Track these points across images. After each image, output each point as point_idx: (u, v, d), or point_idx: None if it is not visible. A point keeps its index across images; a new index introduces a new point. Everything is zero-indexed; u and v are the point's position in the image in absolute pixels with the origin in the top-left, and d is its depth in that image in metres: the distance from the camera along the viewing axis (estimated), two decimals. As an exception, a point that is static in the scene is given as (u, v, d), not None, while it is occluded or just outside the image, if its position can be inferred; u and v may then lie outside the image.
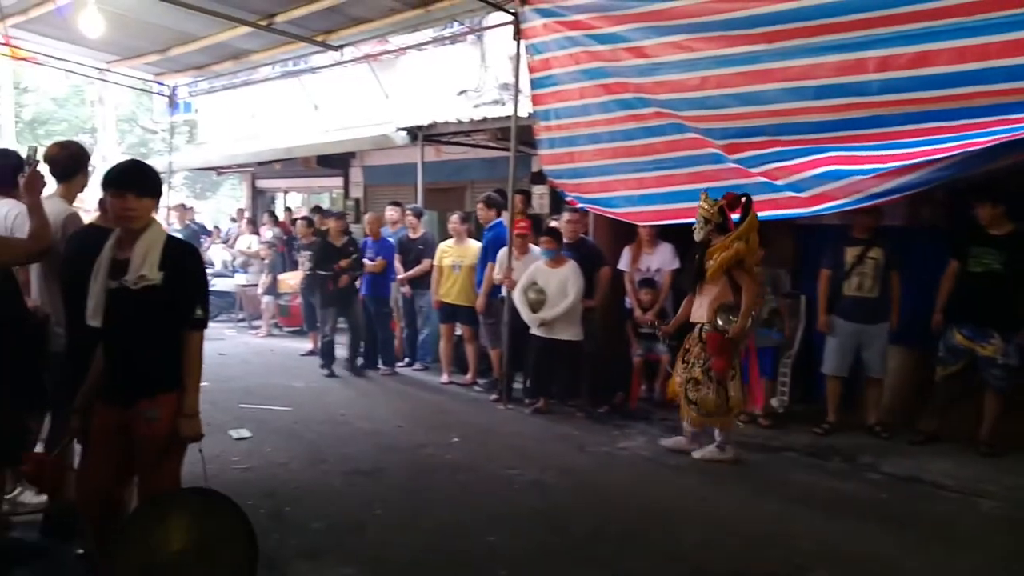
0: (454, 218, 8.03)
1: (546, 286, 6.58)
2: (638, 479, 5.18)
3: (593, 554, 3.93)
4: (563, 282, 6.52)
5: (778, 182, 5.28)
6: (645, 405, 6.99)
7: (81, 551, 3.60)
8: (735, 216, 5.28)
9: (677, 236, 7.00)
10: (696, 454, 5.57)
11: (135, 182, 2.99)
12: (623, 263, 7.10)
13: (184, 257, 3.06)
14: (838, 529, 4.31)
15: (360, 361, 8.53)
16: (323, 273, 8.27)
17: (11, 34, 8.60)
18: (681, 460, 5.57)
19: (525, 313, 6.67)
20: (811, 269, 6.41)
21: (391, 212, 9.19)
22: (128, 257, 2.94)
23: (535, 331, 6.66)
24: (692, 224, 5.68)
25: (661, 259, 7.01)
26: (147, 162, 3.29)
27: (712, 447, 5.54)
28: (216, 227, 15.31)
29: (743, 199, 5.24)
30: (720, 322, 5.28)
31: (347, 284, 8.20)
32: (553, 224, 7.36)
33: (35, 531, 3.88)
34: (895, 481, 5.17)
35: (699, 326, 5.43)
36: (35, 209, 3.47)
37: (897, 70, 4.67)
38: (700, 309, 5.44)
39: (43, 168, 3.66)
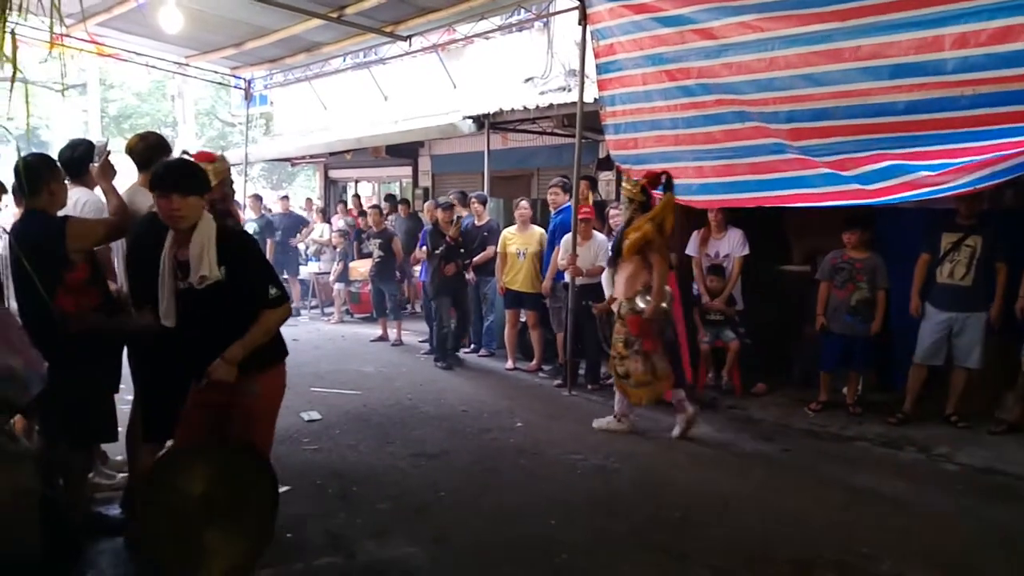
0: (523, 204, 8.03)
1: None
2: (701, 466, 5.14)
3: (652, 540, 3.93)
4: None
5: (845, 173, 5.11)
6: (712, 393, 6.92)
7: (127, 539, 3.72)
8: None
9: (748, 222, 6.92)
10: (596, 423, 5.82)
11: (178, 182, 3.04)
12: (691, 248, 7.05)
13: (241, 246, 3.16)
14: (908, 520, 4.21)
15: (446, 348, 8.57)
16: (437, 253, 8.14)
17: (96, 32, 8.96)
18: (746, 447, 5.52)
19: (608, 290, 6.61)
20: (886, 256, 6.20)
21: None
22: (188, 258, 3.05)
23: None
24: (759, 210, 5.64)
25: (730, 245, 6.93)
26: (194, 159, 3.43)
27: (611, 418, 5.80)
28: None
29: (663, 177, 5.40)
30: (639, 303, 5.40)
31: (454, 272, 8.16)
32: (614, 211, 7.33)
33: (115, 507, 4.09)
34: (971, 472, 5.01)
35: (618, 304, 5.58)
36: (110, 191, 3.74)
37: (976, 47, 4.46)
38: (617, 287, 5.62)
39: (115, 158, 3.88)
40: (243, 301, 3.10)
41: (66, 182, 3.77)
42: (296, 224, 12.59)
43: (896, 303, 6.11)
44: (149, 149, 4.09)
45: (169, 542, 2.99)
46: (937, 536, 4.01)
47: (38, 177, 3.44)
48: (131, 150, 4.06)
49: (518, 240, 7.89)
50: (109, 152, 3.89)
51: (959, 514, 4.33)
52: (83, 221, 3.67)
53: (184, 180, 3.06)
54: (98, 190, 4.08)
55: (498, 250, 8.06)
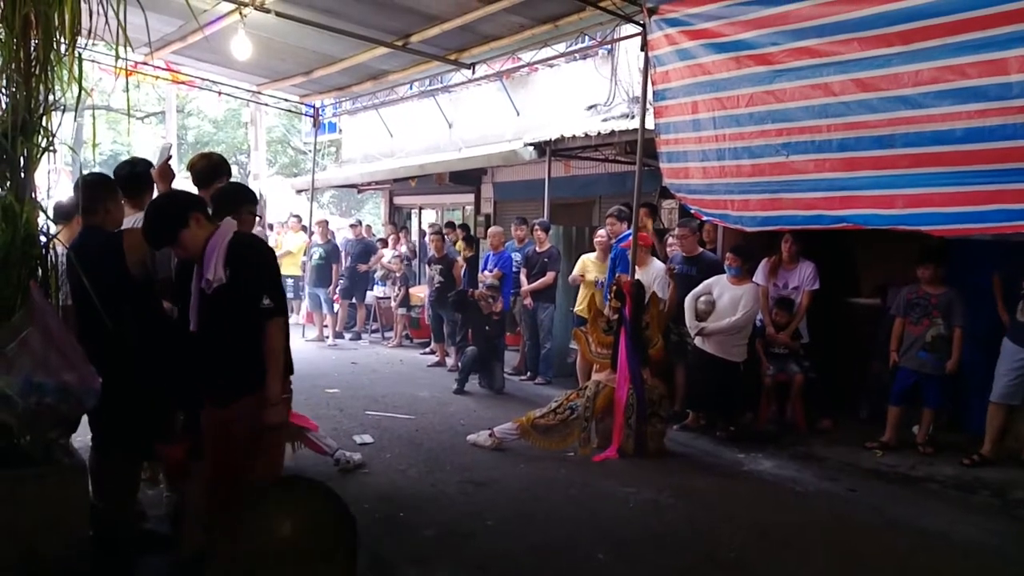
0: (601, 232, 7.96)
1: (718, 299, 6.40)
2: (759, 504, 4.94)
3: (706, 579, 3.78)
4: (736, 300, 6.31)
5: (895, 212, 4.89)
6: (774, 427, 6.68)
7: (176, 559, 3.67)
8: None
9: (816, 252, 6.71)
10: (469, 438, 6.10)
11: (159, 238, 3.20)
12: (759, 276, 6.81)
13: (245, 250, 3.13)
14: (979, 571, 3.96)
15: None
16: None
17: (172, 60, 9.31)
18: (809, 485, 5.29)
19: (689, 319, 6.53)
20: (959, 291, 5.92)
21: (517, 230, 9.24)
22: None
23: (697, 343, 6.50)
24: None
25: (801, 277, 6.73)
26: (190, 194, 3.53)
27: (485, 434, 6.03)
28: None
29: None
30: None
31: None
32: (672, 239, 7.22)
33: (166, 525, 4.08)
34: (1050, 520, 4.70)
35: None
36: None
37: None
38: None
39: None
40: (239, 306, 3.06)
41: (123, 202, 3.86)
42: (367, 250, 12.69)
43: (968, 339, 5.82)
44: (209, 166, 4.18)
45: None
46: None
47: (95, 196, 3.53)
48: (192, 167, 4.16)
49: (596, 269, 7.79)
50: (170, 157, 4.02)
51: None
52: (137, 230, 3.74)
53: (163, 232, 3.16)
54: None
55: (576, 275, 8.03)
